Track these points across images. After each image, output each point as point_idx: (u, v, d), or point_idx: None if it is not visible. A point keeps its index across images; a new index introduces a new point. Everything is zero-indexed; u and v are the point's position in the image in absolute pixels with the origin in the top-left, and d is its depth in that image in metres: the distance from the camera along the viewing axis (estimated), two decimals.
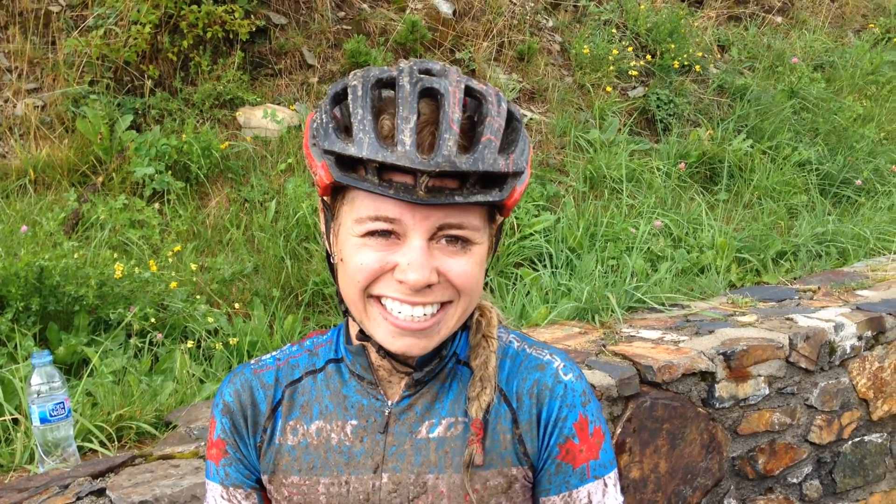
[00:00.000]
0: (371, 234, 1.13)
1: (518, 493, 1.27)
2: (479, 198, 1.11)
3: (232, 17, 4.60)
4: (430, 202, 1.08)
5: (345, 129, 1.12)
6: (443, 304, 1.17)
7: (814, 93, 6.19)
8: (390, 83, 1.13)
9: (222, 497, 1.34)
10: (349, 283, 1.16)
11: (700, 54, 6.21)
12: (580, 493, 1.27)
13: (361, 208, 1.13)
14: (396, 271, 1.12)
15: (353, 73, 1.16)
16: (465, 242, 1.15)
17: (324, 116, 1.13)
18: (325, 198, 1.21)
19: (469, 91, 1.13)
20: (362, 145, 1.08)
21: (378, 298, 1.16)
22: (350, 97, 1.12)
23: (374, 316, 1.17)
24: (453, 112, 1.09)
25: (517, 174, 1.13)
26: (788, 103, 5.97)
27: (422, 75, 1.11)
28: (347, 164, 1.11)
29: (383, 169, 1.09)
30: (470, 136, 1.12)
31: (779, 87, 6.17)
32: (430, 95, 1.11)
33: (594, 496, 1.28)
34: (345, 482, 1.26)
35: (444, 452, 1.25)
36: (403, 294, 1.13)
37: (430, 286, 1.13)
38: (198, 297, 3.40)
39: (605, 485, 1.29)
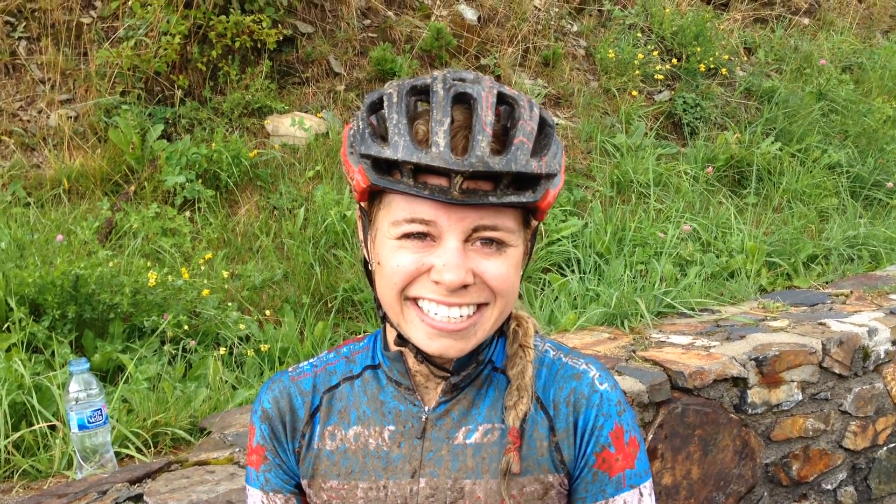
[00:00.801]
0: (407, 236, 1.15)
1: (554, 499, 1.27)
2: (513, 199, 1.12)
3: (260, 26, 4.65)
4: (464, 202, 1.10)
5: (381, 136, 1.15)
6: (479, 307, 1.18)
7: (842, 95, 6.13)
8: (424, 90, 1.15)
9: (263, 502, 1.36)
10: (386, 286, 1.18)
11: (726, 57, 6.18)
12: (616, 502, 1.28)
13: (397, 211, 1.15)
14: (432, 272, 1.14)
15: (388, 83, 1.19)
16: (499, 244, 1.16)
17: (360, 123, 1.16)
18: (362, 204, 1.24)
19: (501, 97, 1.15)
20: (397, 148, 1.10)
21: (415, 300, 1.17)
22: (385, 104, 1.15)
23: (411, 318, 1.18)
24: (486, 115, 1.11)
25: (550, 176, 1.15)
26: (817, 105, 5.92)
27: (455, 82, 1.14)
28: (383, 167, 1.14)
29: (418, 171, 1.11)
30: (503, 140, 1.14)
31: (807, 90, 6.13)
32: (464, 101, 1.14)
33: None
34: (383, 486, 1.27)
35: (481, 458, 1.26)
36: (440, 295, 1.15)
37: (466, 287, 1.14)
38: (229, 304, 3.43)
39: (641, 494, 1.29)
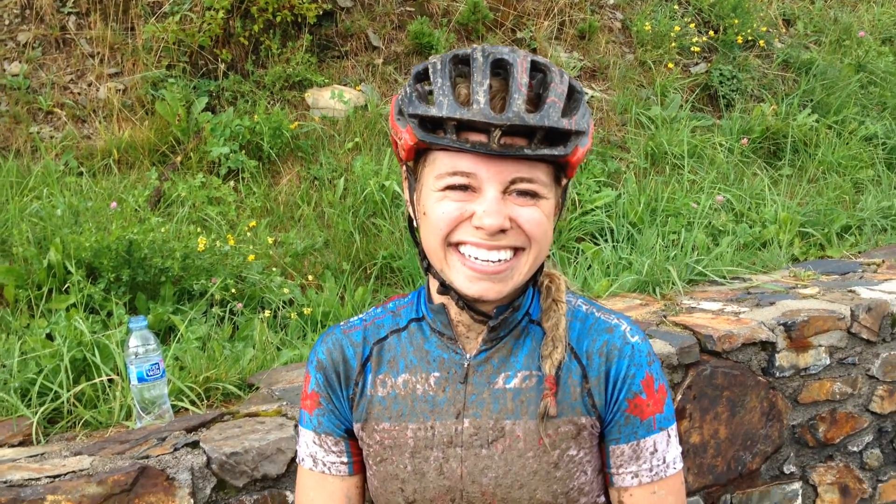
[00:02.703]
0: (451, 188, 1.27)
1: (586, 439, 1.38)
2: (546, 152, 1.25)
3: (300, 0, 4.75)
4: (502, 153, 1.23)
5: (426, 99, 1.28)
6: (516, 252, 1.30)
7: (881, 66, 6.09)
8: (465, 59, 1.28)
9: (314, 442, 1.48)
10: (432, 233, 1.30)
11: (764, 29, 6.15)
12: (647, 443, 1.39)
13: (440, 166, 1.28)
14: (474, 218, 1.27)
15: (432, 55, 1.33)
16: (534, 196, 1.28)
17: (408, 89, 1.29)
18: (408, 163, 1.35)
19: (534, 64, 1.28)
20: (442, 106, 1.23)
21: (457, 247, 1.29)
22: (430, 70, 1.28)
23: (454, 263, 1.30)
24: (522, 78, 1.24)
25: (579, 133, 1.27)
26: (855, 77, 5.89)
27: (493, 51, 1.27)
28: (429, 126, 1.27)
29: (460, 129, 1.24)
30: (536, 103, 1.26)
31: (845, 62, 6.09)
32: (501, 66, 1.26)
33: (659, 445, 1.39)
34: (430, 427, 1.39)
35: (520, 402, 1.37)
36: (481, 238, 1.27)
37: (503, 231, 1.27)
38: (273, 269, 3.57)
39: (669, 436, 1.41)
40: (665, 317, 3.01)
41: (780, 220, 4.26)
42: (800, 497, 3.05)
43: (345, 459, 1.48)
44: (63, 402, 2.48)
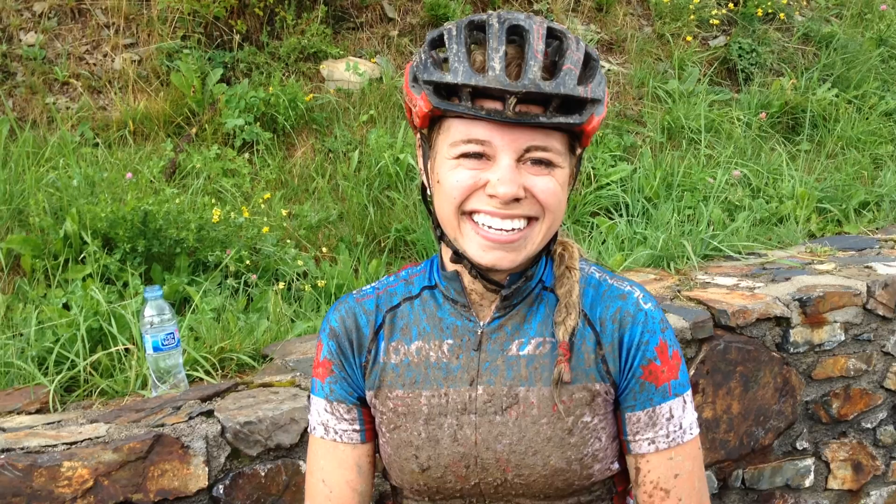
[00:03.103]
0: (465, 155, 1.26)
1: (600, 405, 1.38)
2: (561, 120, 1.23)
3: None
4: (517, 121, 1.21)
5: (441, 66, 1.27)
6: (529, 221, 1.29)
7: None
8: (481, 26, 1.27)
9: (325, 410, 1.49)
10: (445, 201, 1.29)
11: (785, 2, 6.06)
12: (663, 409, 1.38)
13: (455, 133, 1.26)
14: (488, 187, 1.26)
15: (447, 22, 1.31)
16: (548, 165, 1.27)
17: (423, 55, 1.28)
18: (423, 131, 1.34)
19: (550, 31, 1.27)
20: (457, 73, 1.22)
21: (471, 215, 1.29)
22: (446, 37, 1.26)
23: (467, 231, 1.30)
24: (538, 44, 1.22)
25: (595, 101, 1.26)
26: (876, 52, 5.81)
27: (509, 17, 1.25)
28: (443, 93, 1.25)
29: (475, 96, 1.23)
30: (551, 71, 1.25)
31: (867, 35, 6.00)
32: (517, 33, 1.25)
33: (675, 411, 1.39)
34: (444, 394, 1.39)
35: (533, 368, 1.37)
36: (494, 207, 1.26)
37: (517, 201, 1.26)
38: (287, 241, 3.58)
39: (685, 402, 1.41)
40: (679, 291, 3.00)
41: (798, 196, 4.22)
42: (812, 473, 3.05)
43: (357, 427, 1.48)
44: (79, 371, 2.50)
